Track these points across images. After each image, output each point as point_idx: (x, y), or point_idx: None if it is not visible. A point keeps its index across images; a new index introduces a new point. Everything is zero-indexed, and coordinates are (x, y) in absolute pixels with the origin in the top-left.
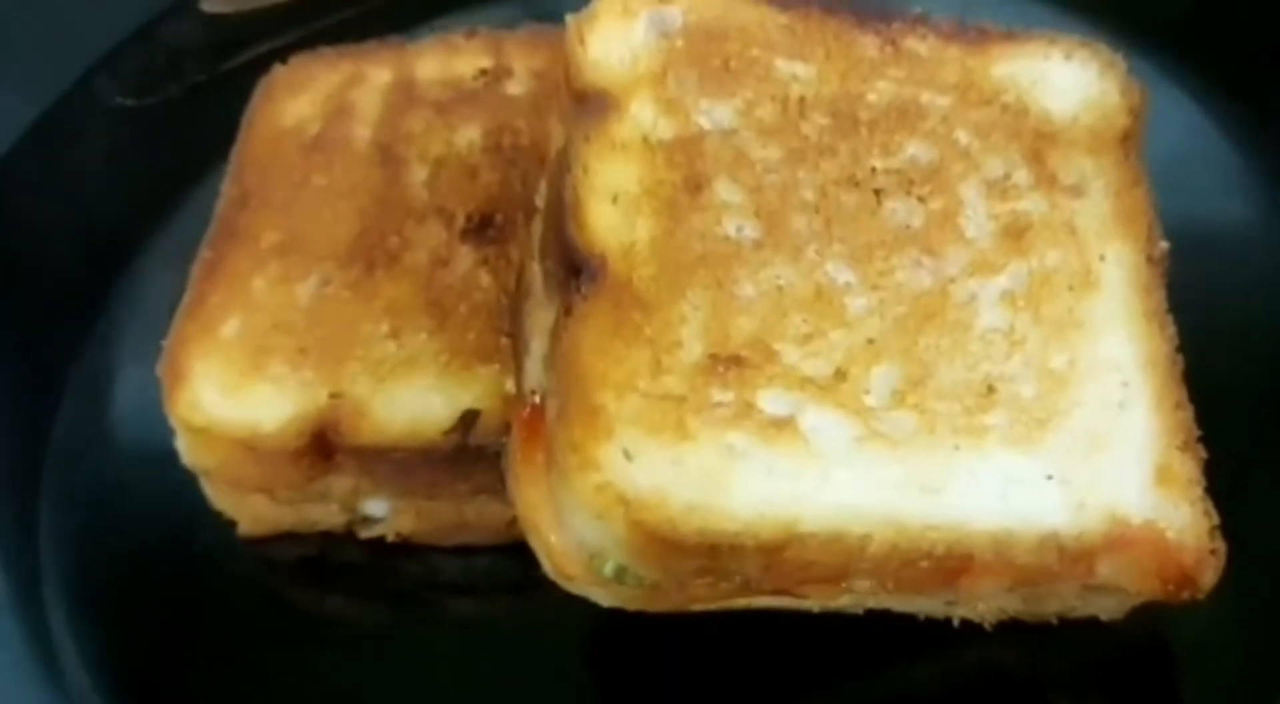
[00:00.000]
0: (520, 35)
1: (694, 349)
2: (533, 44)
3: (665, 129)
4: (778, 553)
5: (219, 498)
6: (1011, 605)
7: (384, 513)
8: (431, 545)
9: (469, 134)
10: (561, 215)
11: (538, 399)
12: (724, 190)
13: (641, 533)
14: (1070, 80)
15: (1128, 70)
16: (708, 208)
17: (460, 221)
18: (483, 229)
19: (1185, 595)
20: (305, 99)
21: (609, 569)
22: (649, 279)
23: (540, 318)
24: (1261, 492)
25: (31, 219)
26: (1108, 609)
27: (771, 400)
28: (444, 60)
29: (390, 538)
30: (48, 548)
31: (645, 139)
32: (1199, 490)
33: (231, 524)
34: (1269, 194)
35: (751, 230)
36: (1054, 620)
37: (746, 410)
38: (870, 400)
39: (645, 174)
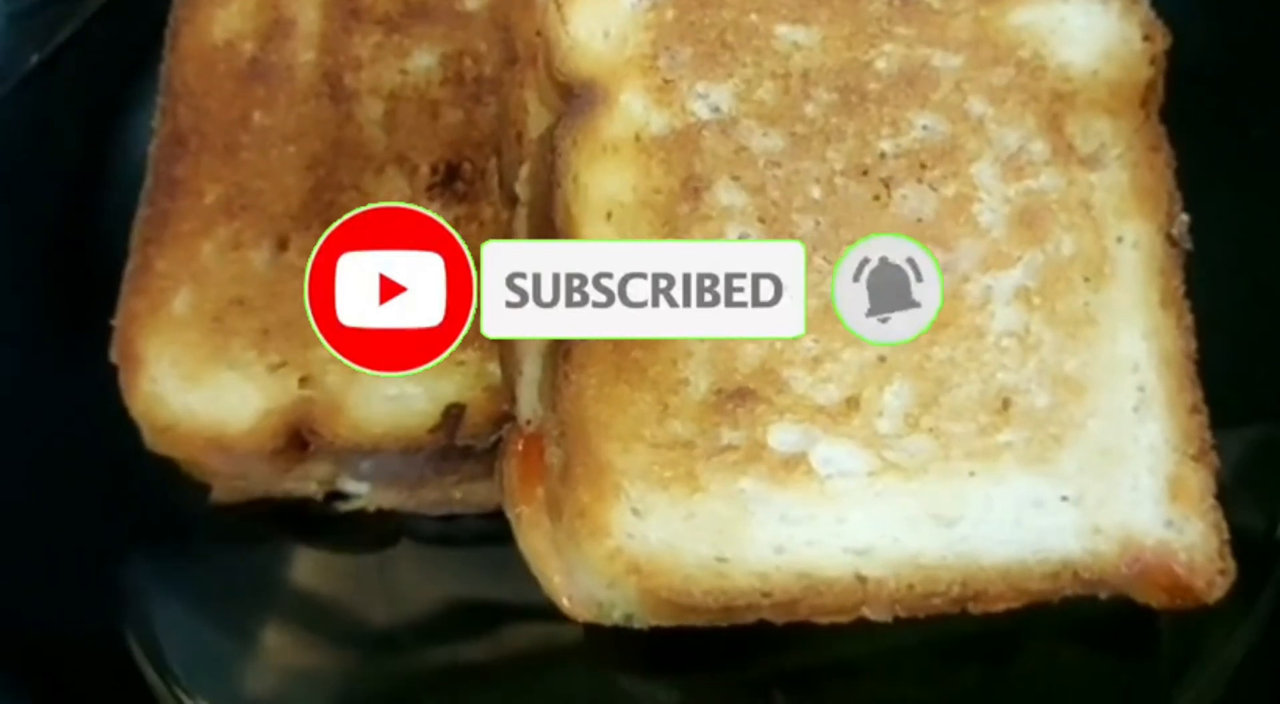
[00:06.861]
0: None
1: (700, 386)
2: None
3: (659, 123)
4: (793, 605)
5: (189, 467)
6: None
7: (364, 490)
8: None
9: (424, 60)
10: (553, 239)
11: (533, 427)
12: (725, 193)
13: (654, 597)
14: (1090, 25)
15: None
16: (709, 216)
17: (424, 173)
18: (449, 182)
19: (1190, 606)
20: (235, 7)
21: (619, 616)
22: None
23: None
24: None
25: None
26: None
27: (782, 436)
28: None
29: (370, 510)
30: None
31: (638, 137)
32: (1210, 502)
33: (204, 488)
34: None
35: (756, 237)
36: None
37: (757, 451)
38: (883, 427)
39: (640, 180)
